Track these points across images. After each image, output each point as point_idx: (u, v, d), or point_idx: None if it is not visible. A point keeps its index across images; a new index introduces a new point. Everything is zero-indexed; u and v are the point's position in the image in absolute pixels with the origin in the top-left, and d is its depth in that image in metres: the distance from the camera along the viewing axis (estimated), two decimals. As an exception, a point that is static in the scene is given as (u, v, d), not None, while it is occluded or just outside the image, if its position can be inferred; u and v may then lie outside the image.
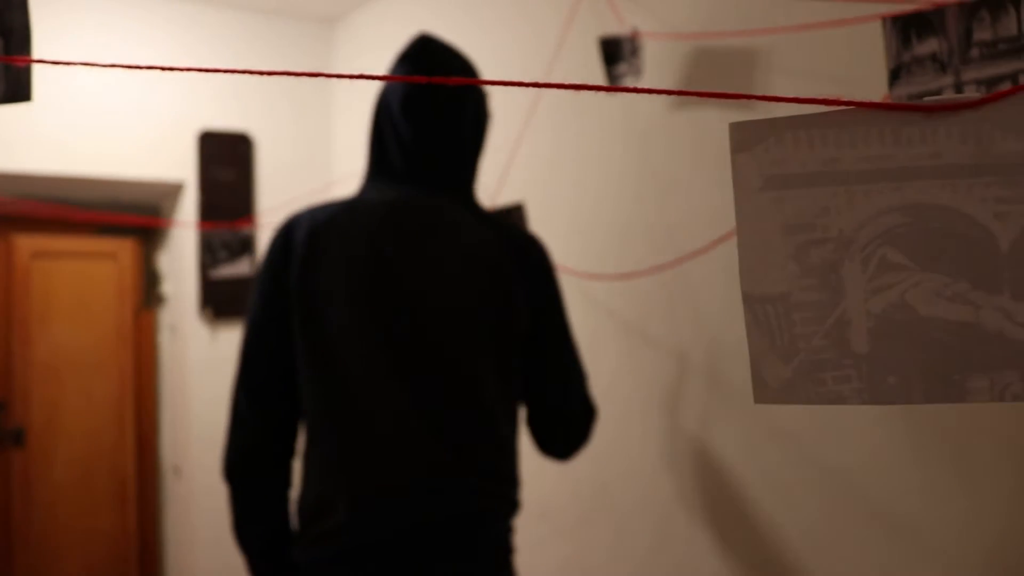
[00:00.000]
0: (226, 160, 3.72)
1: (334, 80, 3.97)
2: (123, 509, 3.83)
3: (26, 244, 3.70)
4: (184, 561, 3.73)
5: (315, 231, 1.40)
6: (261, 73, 0.73)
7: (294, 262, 1.39)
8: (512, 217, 2.24)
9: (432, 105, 1.46)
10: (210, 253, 2.21)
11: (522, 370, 1.51)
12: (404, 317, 1.39)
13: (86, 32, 3.48)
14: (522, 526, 1.78)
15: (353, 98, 3.83)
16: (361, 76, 0.69)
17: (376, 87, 1.64)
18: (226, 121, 3.74)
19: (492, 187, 2.58)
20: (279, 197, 3.79)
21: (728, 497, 1.98)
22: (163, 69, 0.72)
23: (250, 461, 1.42)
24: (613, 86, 1.15)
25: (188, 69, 0.73)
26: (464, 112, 1.50)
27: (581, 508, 2.43)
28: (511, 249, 1.49)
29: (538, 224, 2.36)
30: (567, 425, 1.56)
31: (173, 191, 3.76)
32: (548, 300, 1.54)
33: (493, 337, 1.44)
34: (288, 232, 1.43)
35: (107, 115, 3.51)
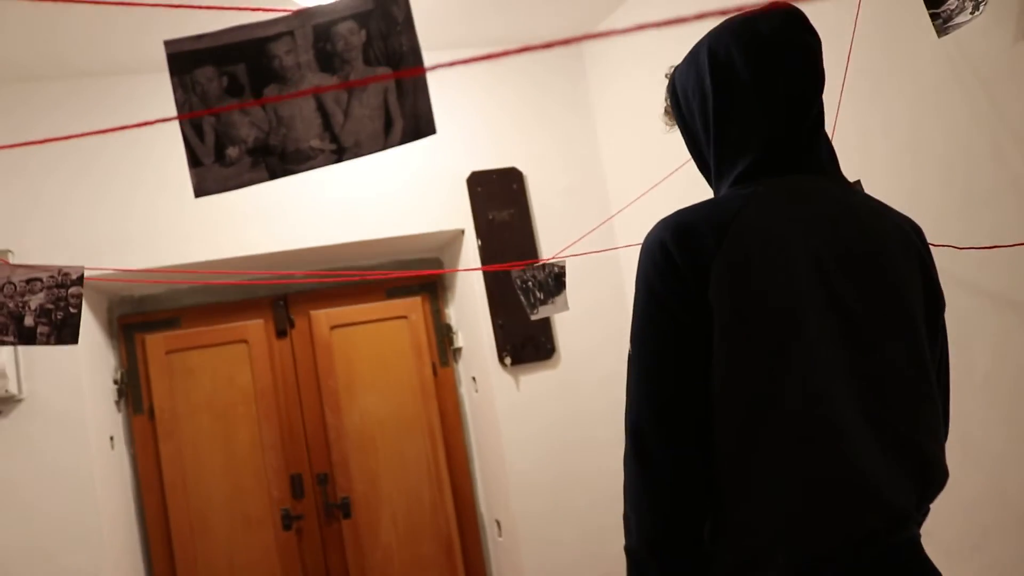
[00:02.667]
0: (500, 199, 3.95)
1: (592, 103, 4.12)
2: (451, 566, 4.10)
3: (323, 318, 4.11)
4: (519, 618, 3.94)
5: (726, 232, 1.28)
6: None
7: (710, 271, 1.26)
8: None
9: (818, 69, 1.39)
10: (526, 296, 2.37)
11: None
12: (857, 329, 1.29)
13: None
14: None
15: (615, 120, 3.96)
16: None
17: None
18: (492, 161, 3.99)
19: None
20: (558, 230, 3.97)
21: None
22: None
23: (676, 532, 1.26)
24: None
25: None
26: (823, 79, 1.42)
27: (981, 522, 2.32)
28: (916, 233, 1.43)
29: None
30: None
31: (453, 239, 4.04)
32: (943, 298, 1.46)
33: (928, 339, 1.37)
34: (682, 238, 1.29)
35: (376, 174, 3.85)
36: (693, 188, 3.20)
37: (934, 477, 1.32)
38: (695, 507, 1.26)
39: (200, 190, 0.83)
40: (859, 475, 1.22)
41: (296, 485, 3.99)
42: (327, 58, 0.82)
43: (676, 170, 3.20)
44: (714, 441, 1.26)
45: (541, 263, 2.65)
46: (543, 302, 2.62)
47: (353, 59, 0.82)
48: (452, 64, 0.72)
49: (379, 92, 0.82)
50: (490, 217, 3.92)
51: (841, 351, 1.26)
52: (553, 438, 3.87)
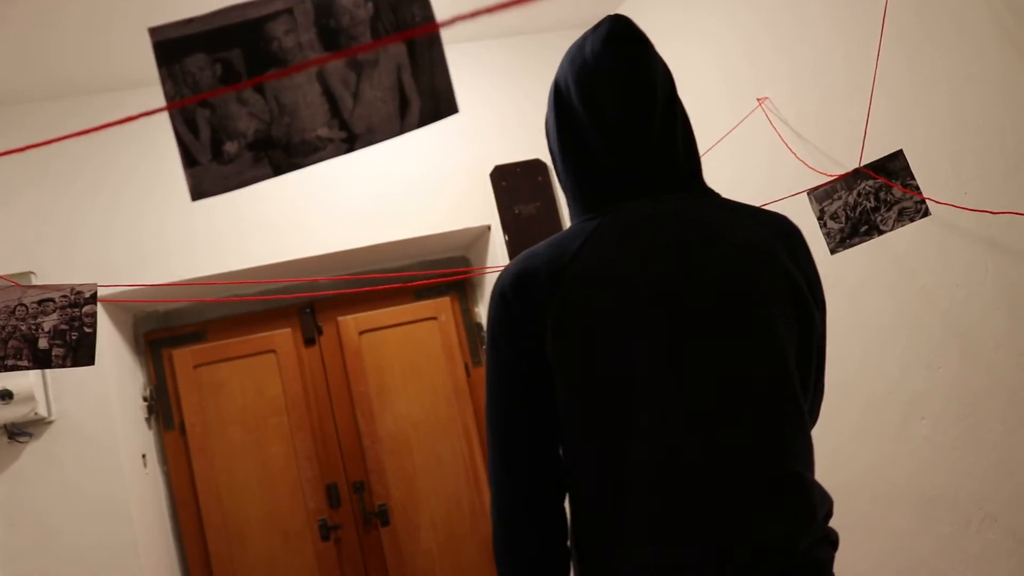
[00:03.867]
0: (525, 192, 3.85)
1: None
2: (493, 570, 4.01)
3: (351, 323, 4.02)
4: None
5: (561, 278, 1.24)
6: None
7: (547, 319, 1.25)
8: (894, 167, 2.11)
9: (653, 92, 1.31)
10: None
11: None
12: (703, 360, 1.23)
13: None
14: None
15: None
16: None
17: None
18: (516, 154, 3.88)
19: (856, 140, 2.45)
20: (583, 219, 3.85)
21: None
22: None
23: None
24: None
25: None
26: (676, 100, 1.37)
27: None
28: (780, 237, 1.33)
29: (924, 171, 2.20)
30: None
31: (479, 236, 3.95)
32: (820, 295, 1.38)
33: (791, 352, 1.29)
34: (520, 286, 1.28)
35: (397, 174, 3.76)
36: (730, 178, 3.11)
37: (809, 502, 1.24)
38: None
39: (197, 192, 0.73)
40: (721, 518, 1.19)
41: (332, 494, 3.92)
42: (331, 35, 0.73)
43: (723, 138, 3.09)
44: (578, 495, 1.28)
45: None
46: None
47: (360, 35, 0.72)
48: (473, 15, 0.62)
49: (392, 71, 0.72)
50: (516, 211, 3.81)
51: (689, 388, 1.22)
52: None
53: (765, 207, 1.44)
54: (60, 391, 3.36)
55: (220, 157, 0.73)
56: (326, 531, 3.86)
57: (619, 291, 1.24)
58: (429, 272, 3.20)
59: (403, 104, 0.73)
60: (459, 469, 4.01)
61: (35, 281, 3.35)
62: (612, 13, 1.35)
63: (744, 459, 1.21)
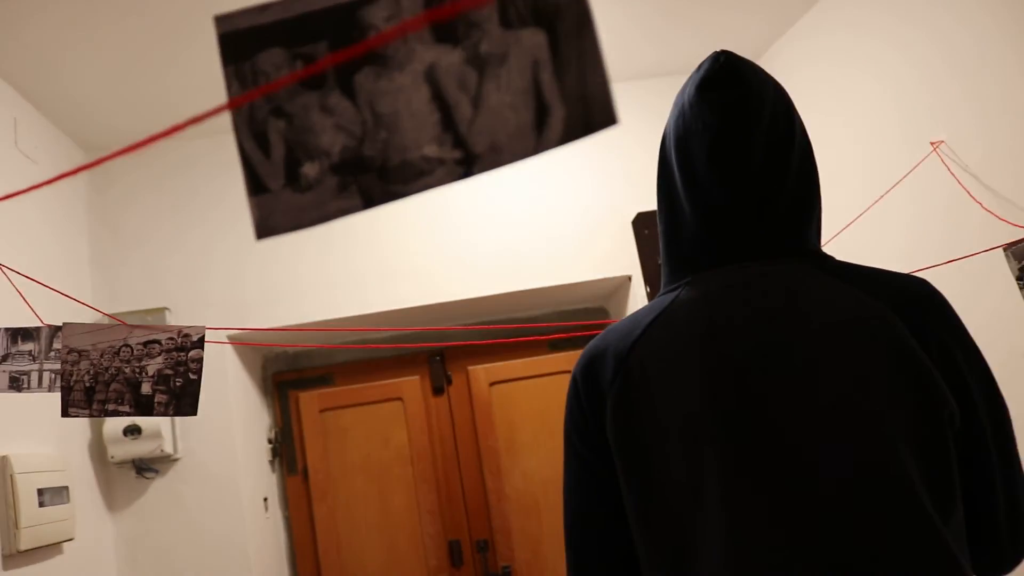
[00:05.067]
0: (669, 242, 3.61)
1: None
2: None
3: (482, 373, 3.84)
4: None
5: (624, 362, 1.11)
6: None
7: (607, 409, 1.11)
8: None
9: (748, 148, 1.13)
10: None
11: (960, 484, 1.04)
12: (779, 453, 1.02)
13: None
14: None
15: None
16: None
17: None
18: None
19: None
20: (732, 272, 3.59)
21: None
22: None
23: None
24: None
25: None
26: (791, 150, 1.15)
27: None
28: (900, 307, 1.06)
29: None
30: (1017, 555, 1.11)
31: (619, 287, 3.72)
32: (974, 374, 1.07)
33: (913, 449, 1.00)
34: (589, 371, 1.16)
35: (534, 219, 3.58)
36: (906, 230, 2.78)
37: None
38: None
39: (264, 227, 0.55)
40: None
41: (455, 552, 3.71)
42: (446, 24, 0.53)
43: (893, 188, 2.78)
44: None
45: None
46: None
47: (484, 22, 0.52)
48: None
49: (526, 68, 0.52)
50: (659, 261, 3.57)
51: (760, 495, 1.01)
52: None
53: (902, 272, 1.16)
54: (187, 429, 3.29)
55: (296, 182, 0.55)
56: (446, 591, 3.66)
57: (678, 376, 1.08)
58: (566, 324, 2.99)
59: (541, 113, 0.52)
60: (588, 534, 3.74)
61: (169, 318, 3.32)
62: (718, 50, 1.18)
63: (819, 563, 0.98)
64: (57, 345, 1.85)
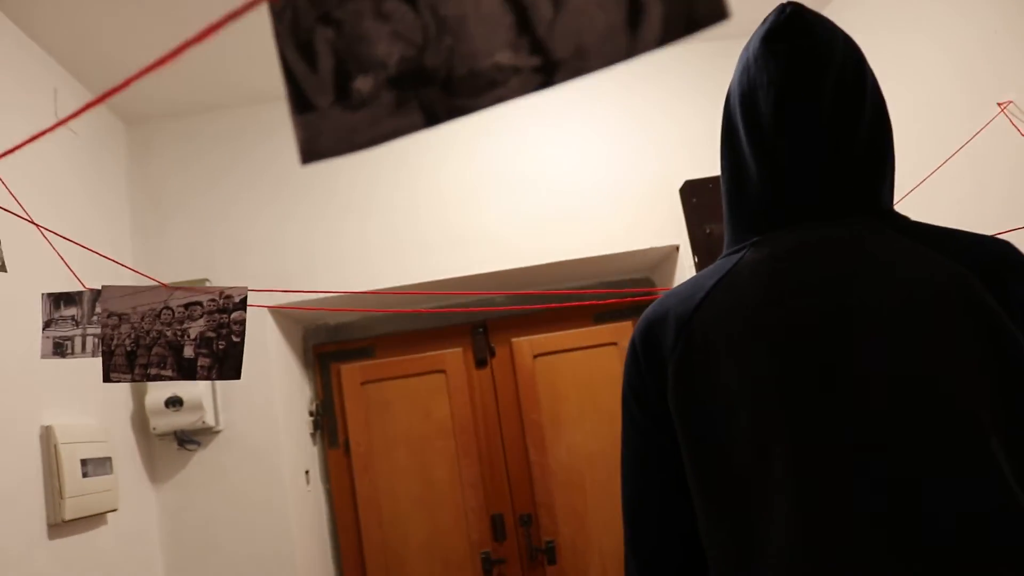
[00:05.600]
0: (718, 210, 3.50)
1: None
2: (668, 627, 3.66)
3: (526, 345, 3.77)
4: None
5: (686, 326, 1.06)
6: None
7: (668, 376, 1.06)
8: None
9: (817, 100, 1.06)
10: None
11: None
12: (849, 422, 0.95)
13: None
14: None
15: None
16: None
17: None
18: (708, 168, 3.55)
19: None
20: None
21: None
22: None
23: None
24: None
25: None
26: (862, 103, 1.08)
27: None
28: (978, 267, 0.99)
29: None
30: None
31: (666, 257, 3.63)
32: None
33: (996, 415, 0.93)
34: (649, 336, 1.10)
35: (579, 187, 3.50)
36: (966, 195, 2.66)
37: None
38: None
39: (310, 150, 0.47)
40: None
41: (497, 527, 3.67)
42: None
43: (960, 150, 2.67)
44: None
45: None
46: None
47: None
48: None
49: (615, -43, 0.44)
50: (707, 231, 3.46)
51: (823, 450, 0.96)
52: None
53: (978, 232, 1.08)
54: (228, 401, 3.27)
55: (347, 99, 0.47)
56: (488, 565, 3.61)
57: (742, 340, 1.02)
58: (615, 290, 2.91)
59: (634, 9, 0.44)
60: (634, 509, 3.67)
61: (209, 287, 3.28)
62: (784, 1, 1.11)
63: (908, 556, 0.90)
64: (100, 312, 1.81)
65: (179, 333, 1.51)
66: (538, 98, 3.52)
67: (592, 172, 3.49)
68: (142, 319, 1.50)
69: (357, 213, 3.41)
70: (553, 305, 3.66)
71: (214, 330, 1.51)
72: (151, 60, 2.48)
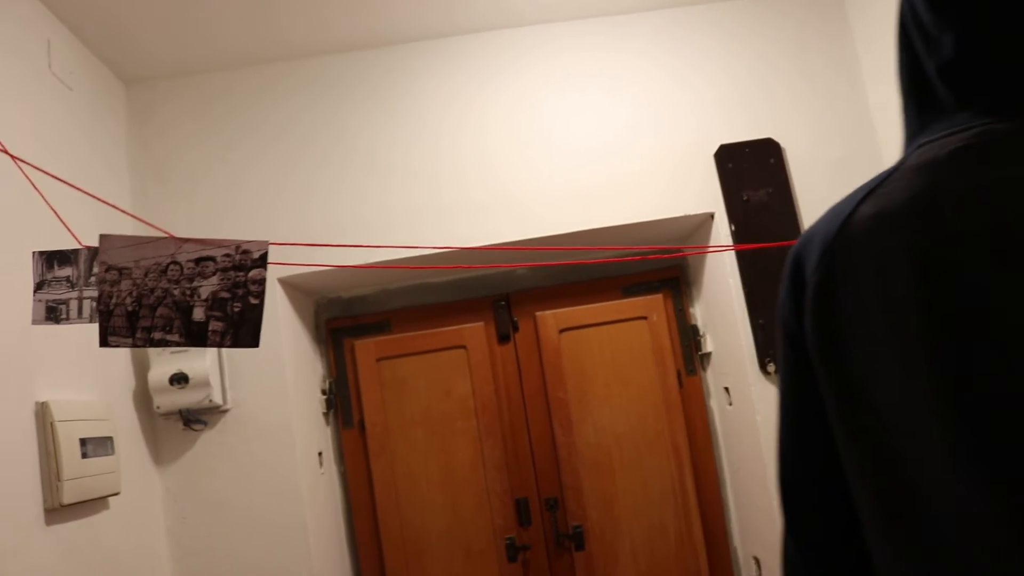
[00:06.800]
0: (755, 176, 3.28)
1: (859, 63, 3.38)
2: (700, 615, 3.46)
3: (551, 319, 3.54)
4: None
5: (829, 245, 0.92)
6: None
7: (807, 307, 0.93)
8: None
9: None
10: None
11: None
12: (1008, 356, 0.78)
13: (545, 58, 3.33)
14: None
15: (888, 81, 3.22)
16: None
17: None
18: (744, 132, 3.33)
19: None
20: (824, 210, 3.26)
21: None
22: None
23: None
24: None
25: None
26: None
27: None
28: None
29: None
30: None
31: (700, 225, 3.40)
32: None
33: None
34: (798, 256, 0.97)
35: (608, 153, 3.28)
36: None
37: None
38: None
39: None
40: None
41: (522, 511, 3.46)
42: None
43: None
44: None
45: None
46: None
47: None
48: None
49: None
50: (744, 198, 3.26)
51: (978, 390, 0.79)
52: (828, 463, 3.14)
53: None
54: (236, 378, 3.06)
55: None
56: (513, 552, 3.41)
57: (888, 260, 0.86)
58: (655, 246, 2.70)
59: None
60: (666, 492, 3.47)
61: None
62: None
63: None
64: (98, 269, 1.60)
65: (188, 292, 1.29)
66: (565, 59, 3.31)
67: (620, 136, 3.27)
68: (146, 275, 1.28)
69: (377, 181, 3.20)
70: (576, 262, 3.45)
71: (228, 290, 1.30)
72: (149, 14, 2.25)
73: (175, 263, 1.29)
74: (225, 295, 1.29)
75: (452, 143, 3.24)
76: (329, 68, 3.27)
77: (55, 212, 1.77)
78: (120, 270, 1.28)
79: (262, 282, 1.29)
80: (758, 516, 3.27)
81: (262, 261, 1.30)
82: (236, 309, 1.29)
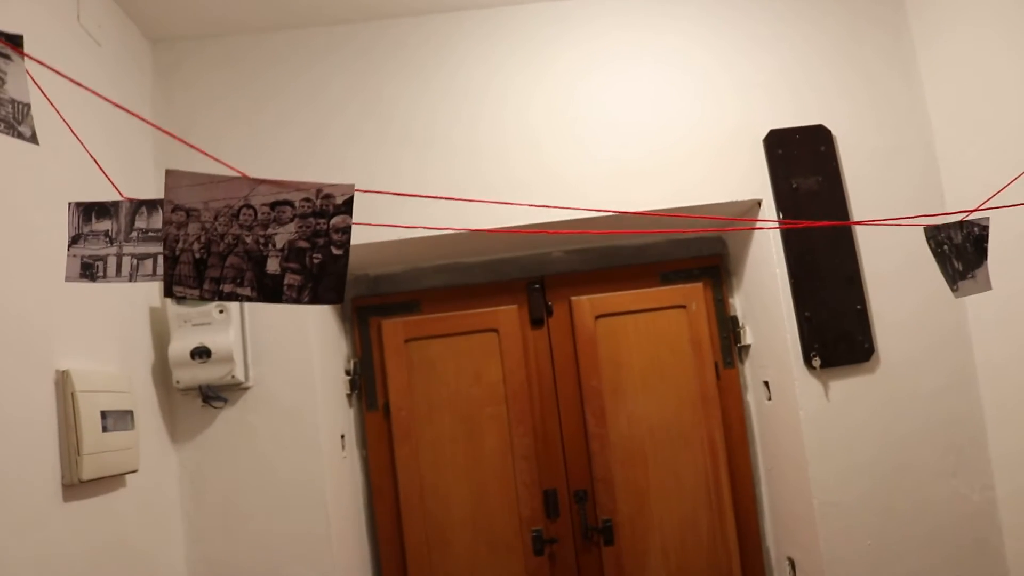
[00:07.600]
0: (804, 163, 3.12)
1: (916, 51, 3.24)
2: (730, 616, 3.32)
3: (587, 305, 3.36)
4: None
5: None
6: None
7: None
8: None
9: None
10: (943, 264, 1.62)
11: None
12: None
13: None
14: None
15: (944, 72, 3.07)
16: None
17: None
18: (794, 118, 3.18)
19: None
20: (875, 200, 3.12)
21: None
22: None
23: None
24: None
25: None
26: None
27: None
28: None
29: None
30: None
31: (747, 212, 3.23)
32: None
33: None
34: None
35: (651, 134, 3.12)
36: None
37: None
38: None
39: None
40: None
41: (550, 503, 3.31)
42: None
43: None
44: None
45: (959, 220, 1.82)
46: (963, 276, 1.79)
47: None
48: None
49: None
50: (794, 185, 3.11)
51: None
52: (871, 460, 3.00)
53: None
54: (259, 354, 2.90)
55: None
56: (540, 544, 3.25)
57: None
58: (702, 229, 2.54)
59: None
60: (700, 488, 3.32)
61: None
62: None
63: None
64: (140, 224, 1.44)
65: (262, 240, 1.13)
66: (612, 37, 3.15)
67: (666, 116, 3.12)
68: (215, 218, 1.12)
69: (412, 151, 3.03)
70: (623, 231, 3.29)
71: (308, 239, 1.14)
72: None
73: (248, 206, 1.13)
74: (304, 244, 1.13)
75: (493, 118, 3.08)
76: (361, 34, 3.11)
77: (97, 163, 1.60)
78: (188, 211, 1.12)
79: (347, 230, 1.14)
80: (793, 516, 3.13)
81: (347, 207, 1.14)
82: (316, 260, 1.13)
